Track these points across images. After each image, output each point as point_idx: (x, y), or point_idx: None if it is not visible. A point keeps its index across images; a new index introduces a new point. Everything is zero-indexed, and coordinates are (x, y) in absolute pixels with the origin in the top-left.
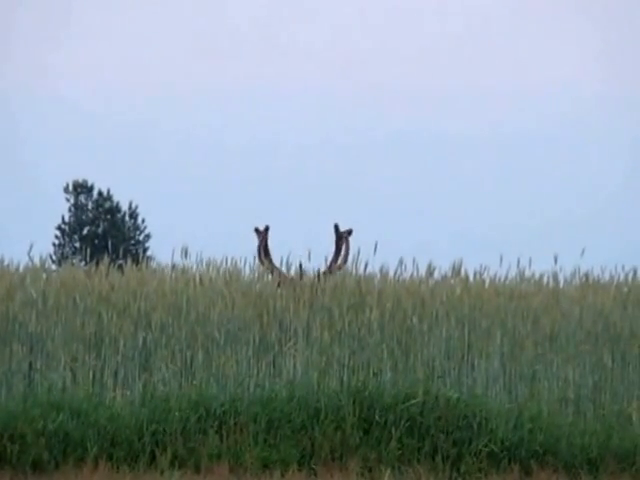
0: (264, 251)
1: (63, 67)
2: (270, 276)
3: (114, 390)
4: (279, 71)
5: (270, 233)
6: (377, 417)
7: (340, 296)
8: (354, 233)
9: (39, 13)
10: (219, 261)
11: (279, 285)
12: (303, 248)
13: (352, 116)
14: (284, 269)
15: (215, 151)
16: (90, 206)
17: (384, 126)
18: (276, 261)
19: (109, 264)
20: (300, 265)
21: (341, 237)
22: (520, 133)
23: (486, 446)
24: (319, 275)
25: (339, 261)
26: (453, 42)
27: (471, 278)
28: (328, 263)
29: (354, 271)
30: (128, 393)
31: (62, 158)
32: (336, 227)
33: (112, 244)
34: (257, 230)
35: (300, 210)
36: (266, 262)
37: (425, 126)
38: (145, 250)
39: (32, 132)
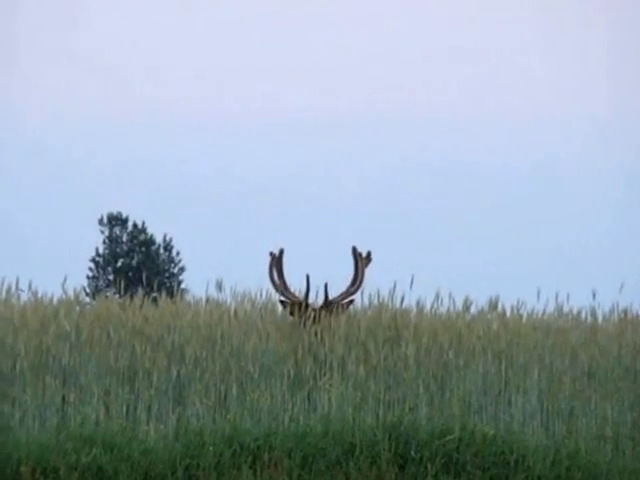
0: (278, 272)
1: (95, 101)
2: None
3: (147, 424)
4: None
5: (285, 257)
6: (413, 453)
7: (376, 330)
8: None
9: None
10: (254, 294)
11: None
12: (341, 284)
13: (384, 146)
14: (298, 294)
15: (250, 184)
16: (125, 238)
17: (419, 156)
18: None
19: (143, 297)
20: (307, 288)
21: (358, 261)
22: (555, 163)
23: None
24: (327, 304)
25: (355, 286)
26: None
27: (508, 313)
28: (345, 290)
29: (390, 305)
30: (162, 427)
31: (97, 190)
32: (354, 250)
33: (146, 277)
34: (272, 254)
35: (336, 243)
36: (279, 284)
37: (460, 156)
38: (179, 283)
39: (66, 164)
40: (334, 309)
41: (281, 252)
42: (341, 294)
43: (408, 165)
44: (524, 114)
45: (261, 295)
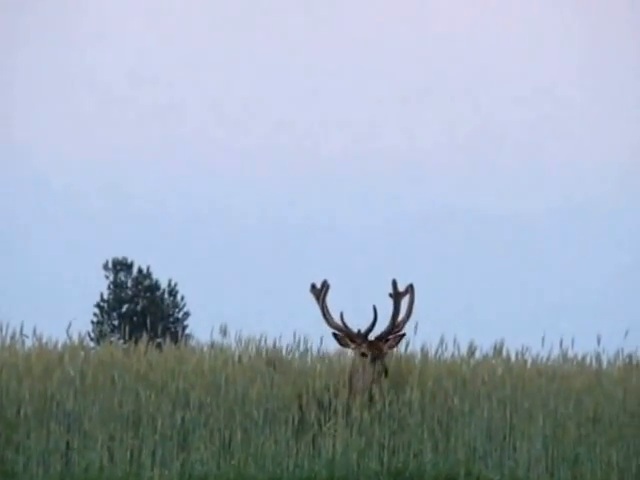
0: (325, 307)
1: (101, 148)
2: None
3: (152, 469)
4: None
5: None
6: None
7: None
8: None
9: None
10: (258, 339)
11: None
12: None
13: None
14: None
15: (255, 229)
16: (129, 283)
17: (420, 202)
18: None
19: (148, 342)
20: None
21: (399, 294)
22: (560, 210)
23: None
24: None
25: (399, 319)
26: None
27: (513, 358)
28: (388, 325)
29: (395, 350)
30: (166, 472)
31: (102, 236)
32: (394, 284)
33: (151, 322)
34: (314, 287)
35: (342, 291)
36: (332, 321)
37: (463, 201)
38: (184, 328)
39: (70, 209)
40: (390, 342)
41: (324, 286)
42: (388, 328)
43: (408, 209)
44: (530, 159)
45: (265, 340)
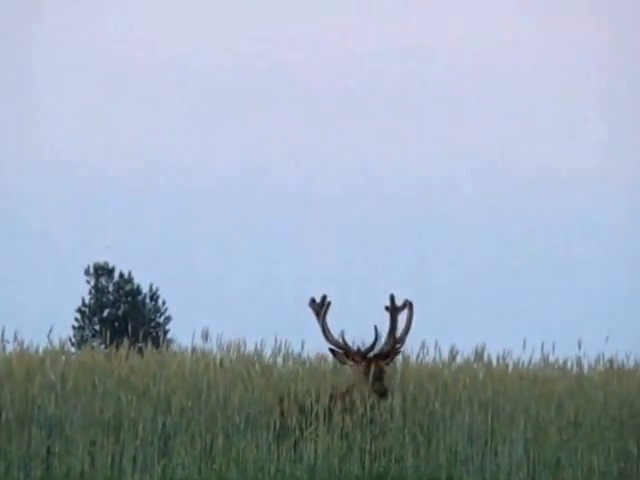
0: (325, 322)
1: (89, 151)
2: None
3: (133, 475)
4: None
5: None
6: None
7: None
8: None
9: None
10: (239, 344)
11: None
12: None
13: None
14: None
15: (238, 233)
16: (111, 288)
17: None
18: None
19: (129, 347)
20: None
21: (396, 309)
22: (543, 216)
23: None
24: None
25: (398, 335)
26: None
27: (494, 363)
28: (386, 340)
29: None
30: (147, 478)
31: (83, 241)
32: (392, 298)
33: (132, 326)
34: (313, 301)
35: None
36: (332, 337)
37: (450, 210)
38: (165, 332)
39: (53, 214)
40: (388, 360)
41: (324, 302)
42: (385, 344)
43: (397, 216)
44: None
45: (246, 345)
